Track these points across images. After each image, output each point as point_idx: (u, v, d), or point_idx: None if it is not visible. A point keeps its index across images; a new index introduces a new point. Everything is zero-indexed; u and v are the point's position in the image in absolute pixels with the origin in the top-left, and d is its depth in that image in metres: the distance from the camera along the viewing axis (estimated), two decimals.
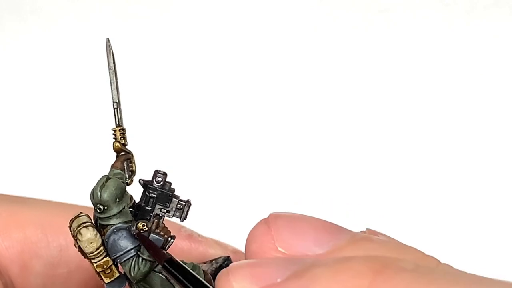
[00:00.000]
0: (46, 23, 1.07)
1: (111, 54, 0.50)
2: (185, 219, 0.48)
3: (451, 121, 1.01)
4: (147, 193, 0.48)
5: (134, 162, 0.50)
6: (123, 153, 0.51)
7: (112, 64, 0.50)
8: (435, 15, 1.05)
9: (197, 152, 0.99)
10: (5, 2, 1.07)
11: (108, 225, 0.47)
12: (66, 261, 0.58)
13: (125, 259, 0.47)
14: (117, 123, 0.51)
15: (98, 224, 0.48)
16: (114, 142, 0.50)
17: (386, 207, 0.97)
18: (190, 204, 0.48)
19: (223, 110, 1.03)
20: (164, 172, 0.48)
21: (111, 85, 0.51)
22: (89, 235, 0.47)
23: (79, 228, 0.47)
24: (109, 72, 0.50)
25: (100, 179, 0.47)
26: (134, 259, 0.47)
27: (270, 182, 0.98)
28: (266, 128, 1.02)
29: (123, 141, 0.50)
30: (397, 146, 1.00)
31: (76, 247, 0.48)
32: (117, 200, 0.47)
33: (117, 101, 0.50)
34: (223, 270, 0.41)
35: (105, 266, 0.47)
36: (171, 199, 0.48)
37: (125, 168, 0.50)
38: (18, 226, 0.58)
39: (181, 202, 0.48)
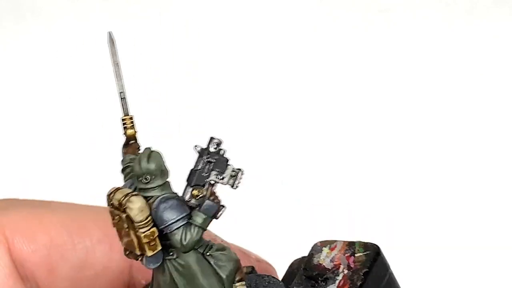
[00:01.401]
0: (46, 23, 1.07)
1: (114, 47, 0.51)
2: (237, 187, 0.48)
3: (451, 121, 1.01)
4: (205, 158, 0.47)
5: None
6: (133, 141, 0.51)
7: (116, 56, 0.51)
8: (435, 15, 1.05)
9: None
10: (5, 2, 1.07)
11: (151, 196, 0.46)
12: (92, 263, 0.57)
13: (176, 227, 0.46)
14: (126, 112, 0.51)
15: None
16: (127, 129, 0.51)
17: (386, 206, 0.97)
18: (243, 172, 0.48)
19: (223, 110, 1.03)
20: (219, 139, 0.48)
21: (116, 76, 0.51)
22: (140, 203, 0.46)
23: (128, 196, 0.46)
24: (114, 64, 0.51)
25: (144, 151, 0.47)
26: (186, 227, 0.46)
27: (283, 188, 0.98)
28: (266, 127, 1.02)
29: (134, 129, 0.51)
30: (397, 145, 1.00)
31: (117, 220, 0.46)
32: (162, 171, 0.47)
33: (123, 91, 0.51)
34: None
35: (151, 237, 0.46)
36: (227, 165, 0.47)
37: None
38: (43, 229, 0.57)
39: (235, 169, 0.48)
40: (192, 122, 1.02)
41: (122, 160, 0.51)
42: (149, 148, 0.47)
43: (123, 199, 0.46)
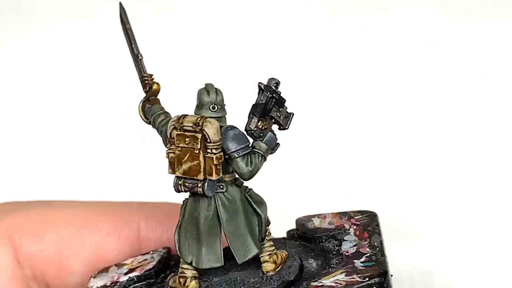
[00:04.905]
0: (46, 23, 1.07)
1: (126, 14, 0.55)
2: (288, 128, 0.51)
3: (451, 120, 1.01)
4: (269, 94, 0.49)
5: None
6: (154, 97, 0.54)
7: (128, 23, 0.55)
8: (435, 15, 1.05)
9: None
10: (5, 2, 1.07)
11: None
12: (103, 256, 0.58)
13: (243, 153, 0.49)
14: (145, 71, 0.54)
15: None
16: (152, 84, 0.54)
17: (386, 192, 0.97)
18: (293, 114, 0.51)
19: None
20: (278, 79, 0.50)
21: (131, 40, 0.54)
22: (217, 124, 0.48)
23: (205, 118, 0.48)
24: (127, 29, 0.54)
25: (208, 84, 0.51)
26: (251, 155, 0.49)
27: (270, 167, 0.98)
28: None
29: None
30: (396, 144, 1.00)
31: (187, 142, 0.48)
32: (224, 105, 0.50)
33: (140, 53, 0.54)
34: None
35: (220, 160, 0.48)
36: (283, 105, 0.50)
37: None
38: (51, 228, 0.57)
39: (288, 111, 0.51)
40: None
41: (150, 110, 0.54)
42: (211, 83, 0.50)
43: (199, 120, 0.48)
